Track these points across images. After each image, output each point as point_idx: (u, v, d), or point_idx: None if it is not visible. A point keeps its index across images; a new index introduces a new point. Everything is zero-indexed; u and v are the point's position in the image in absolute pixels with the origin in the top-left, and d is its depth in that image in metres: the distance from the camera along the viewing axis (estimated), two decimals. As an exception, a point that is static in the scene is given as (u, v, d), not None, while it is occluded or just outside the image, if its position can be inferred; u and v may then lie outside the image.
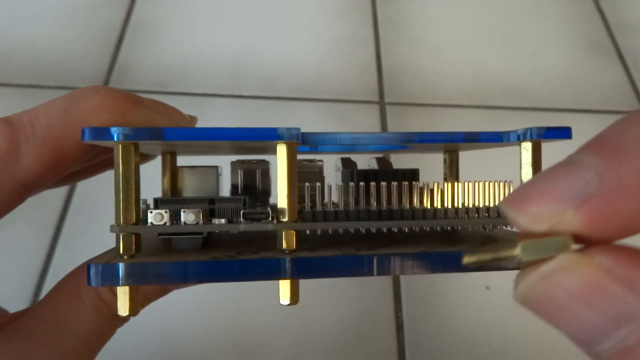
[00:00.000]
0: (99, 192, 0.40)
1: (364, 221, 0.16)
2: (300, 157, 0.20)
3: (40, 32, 0.51)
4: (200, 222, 0.15)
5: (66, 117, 0.16)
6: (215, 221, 0.15)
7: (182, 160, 0.21)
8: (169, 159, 0.21)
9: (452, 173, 0.22)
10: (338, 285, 0.37)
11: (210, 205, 0.16)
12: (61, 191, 0.40)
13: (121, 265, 0.14)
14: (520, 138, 0.17)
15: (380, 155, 0.22)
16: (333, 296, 0.36)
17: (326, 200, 0.17)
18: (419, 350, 0.34)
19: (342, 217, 0.16)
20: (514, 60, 0.53)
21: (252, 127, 0.15)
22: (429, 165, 0.23)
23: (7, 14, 0.52)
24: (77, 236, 0.38)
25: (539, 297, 0.11)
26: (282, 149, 0.15)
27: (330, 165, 0.21)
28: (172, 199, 0.16)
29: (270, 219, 0.15)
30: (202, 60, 0.50)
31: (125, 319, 0.19)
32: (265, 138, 0.15)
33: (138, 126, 0.15)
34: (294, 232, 0.16)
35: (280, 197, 0.15)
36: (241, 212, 0.16)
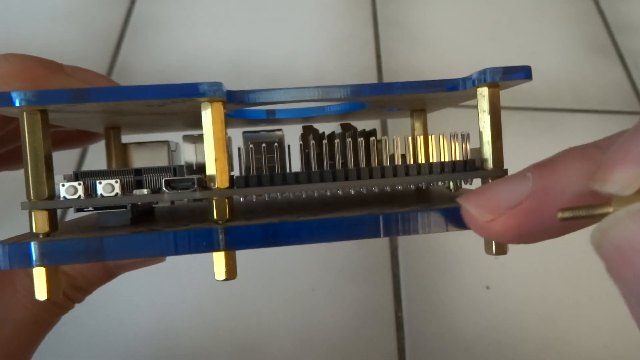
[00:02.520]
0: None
1: (303, 184, 0.14)
2: (259, 127, 0.18)
3: (40, 32, 0.51)
4: (119, 193, 0.14)
5: None
6: (137, 192, 0.14)
7: (135, 140, 0.19)
8: (113, 135, 0.19)
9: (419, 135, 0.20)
10: (338, 285, 0.37)
11: (137, 177, 0.15)
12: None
13: (32, 245, 0.13)
14: (475, 83, 0.15)
15: (346, 122, 0.20)
16: (333, 296, 0.36)
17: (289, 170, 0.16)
18: (419, 350, 0.34)
19: (279, 180, 0.14)
20: (514, 61, 0.53)
21: (173, 84, 0.14)
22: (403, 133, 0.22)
23: (7, 14, 0.52)
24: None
25: (619, 236, 0.12)
26: (206, 109, 0.14)
27: (295, 138, 0.20)
28: (92, 172, 0.15)
29: (196, 186, 0.14)
30: (202, 60, 0.50)
31: (68, 306, 0.17)
32: (185, 95, 0.13)
33: None
34: (226, 201, 0.14)
35: (209, 162, 0.14)
36: (163, 181, 0.14)
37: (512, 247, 0.39)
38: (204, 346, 0.34)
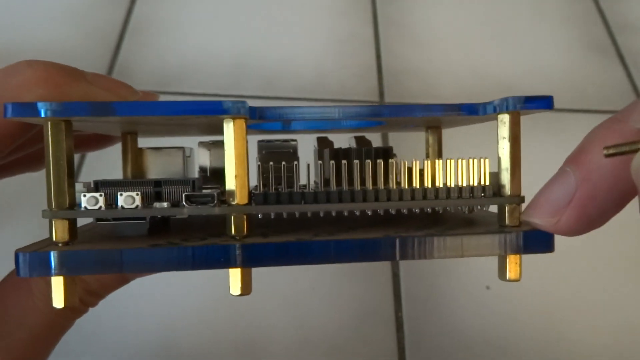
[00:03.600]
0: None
1: (322, 204, 0.15)
2: (273, 136, 0.18)
3: (40, 32, 0.51)
4: (139, 205, 0.14)
5: None
6: (157, 205, 0.14)
7: (150, 143, 0.19)
8: (130, 140, 0.19)
9: (435, 153, 0.20)
10: (338, 285, 0.37)
11: (156, 188, 0.15)
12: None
13: (52, 254, 0.13)
14: (496, 110, 0.15)
15: (360, 134, 0.20)
16: (333, 296, 0.36)
17: (303, 182, 0.16)
18: (419, 350, 0.34)
19: (298, 199, 0.15)
20: (514, 60, 0.53)
21: (196, 101, 0.14)
22: (417, 147, 0.22)
23: (8, 14, 0.52)
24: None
25: None
26: (229, 126, 0.14)
27: (308, 146, 0.19)
28: (112, 181, 0.15)
29: (216, 202, 0.14)
30: (202, 60, 0.50)
31: (82, 311, 0.17)
32: (209, 112, 0.14)
33: (77, 100, 0.14)
34: (244, 217, 0.14)
35: (229, 178, 0.14)
36: (183, 195, 0.14)
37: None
38: (203, 346, 0.34)
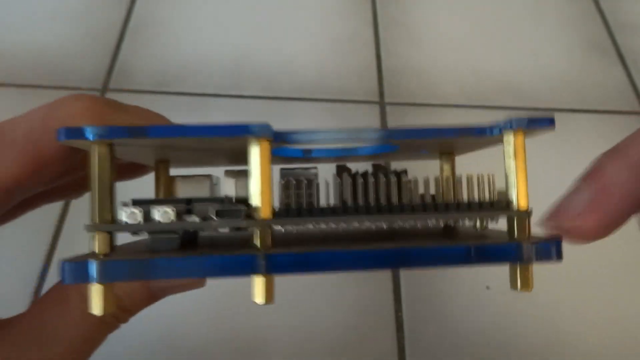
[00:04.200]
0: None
1: (339, 216, 0.16)
2: (294, 165, 0.20)
3: (40, 32, 0.51)
4: (174, 219, 0.15)
5: (45, 122, 0.16)
6: (189, 218, 0.16)
7: (180, 173, 0.21)
8: (162, 168, 0.21)
9: (448, 178, 0.21)
10: (338, 285, 0.37)
11: (188, 206, 0.16)
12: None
13: (93, 263, 0.15)
14: (501, 131, 0.16)
15: (379, 162, 0.22)
16: (333, 296, 0.36)
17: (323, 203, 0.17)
18: (419, 350, 0.34)
19: (317, 212, 0.16)
20: (514, 60, 0.53)
21: (222, 124, 0.15)
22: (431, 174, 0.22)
23: (8, 14, 0.52)
24: (77, 236, 0.38)
25: None
26: (255, 146, 0.15)
27: (327, 175, 0.21)
28: (148, 200, 0.16)
29: (244, 216, 0.15)
30: (202, 60, 0.50)
31: (114, 326, 0.19)
32: (236, 134, 0.15)
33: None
34: (268, 230, 0.16)
35: (254, 195, 0.15)
36: (215, 211, 0.15)
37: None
38: (203, 346, 0.34)
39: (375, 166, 0.20)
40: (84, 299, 0.15)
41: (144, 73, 0.48)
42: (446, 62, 0.52)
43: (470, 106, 0.48)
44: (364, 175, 0.18)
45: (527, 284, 0.16)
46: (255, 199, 0.15)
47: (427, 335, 0.35)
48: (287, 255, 0.15)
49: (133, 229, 0.15)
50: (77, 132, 0.15)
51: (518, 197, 0.16)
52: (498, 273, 0.41)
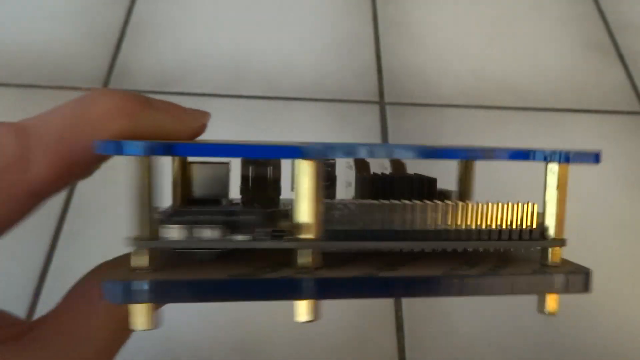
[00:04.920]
0: (98, 191, 0.40)
1: (389, 241, 0.16)
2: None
3: (41, 32, 0.51)
4: (219, 238, 0.15)
5: (77, 122, 0.15)
6: (238, 237, 0.15)
7: None
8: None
9: (467, 181, 0.21)
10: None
11: (228, 217, 0.16)
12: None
13: (139, 283, 0.14)
14: (547, 159, 0.16)
15: (395, 158, 0.21)
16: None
17: (339, 199, 0.17)
18: (419, 350, 0.34)
19: (369, 236, 0.16)
20: (514, 60, 0.53)
21: (272, 145, 0.15)
22: (441, 168, 0.22)
23: (8, 14, 0.52)
24: (77, 236, 0.38)
25: None
26: (304, 168, 0.15)
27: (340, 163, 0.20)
28: (188, 210, 0.16)
29: (290, 237, 0.15)
30: (202, 60, 0.50)
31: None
32: (286, 156, 0.15)
33: (148, 130, 0.15)
34: (318, 252, 0.15)
35: (302, 214, 0.15)
36: (260, 231, 0.15)
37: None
38: (203, 346, 0.34)
39: (393, 164, 0.20)
40: (105, 307, 0.15)
41: (144, 73, 0.48)
42: (446, 62, 0.52)
43: (470, 106, 0.48)
44: (390, 182, 0.18)
45: (554, 308, 0.17)
46: (304, 217, 0.15)
47: (427, 335, 0.35)
48: (339, 281, 0.15)
49: (175, 245, 0.15)
50: (117, 147, 0.14)
51: (556, 226, 0.17)
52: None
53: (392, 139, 0.45)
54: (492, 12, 0.57)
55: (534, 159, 0.16)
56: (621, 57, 0.54)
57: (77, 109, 0.15)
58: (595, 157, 0.16)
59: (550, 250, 0.17)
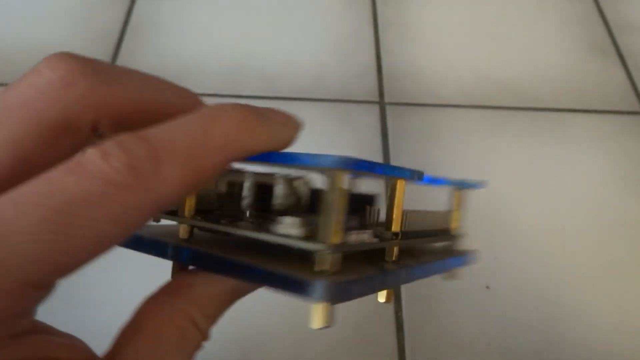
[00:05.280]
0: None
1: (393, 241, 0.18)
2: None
3: (41, 32, 0.51)
4: (370, 241, 0.17)
5: (205, 138, 0.15)
6: (373, 240, 0.18)
7: None
8: None
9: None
10: (338, 285, 0.37)
11: (349, 224, 0.18)
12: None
13: (343, 284, 0.16)
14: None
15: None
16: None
17: None
18: (419, 350, 0.34)
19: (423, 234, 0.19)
20: (514, 60, 0.53)
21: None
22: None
23: (8, 14, 0.52)
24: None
25: None
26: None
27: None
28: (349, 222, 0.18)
29: (376, 238, 0.18)
30: (202, 60, 0.50)
31: (201, 347, 0.19)
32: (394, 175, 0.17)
33: (265, 142, 0.16)
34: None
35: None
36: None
37: (511, 245, 0.39)
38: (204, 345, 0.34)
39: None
40: (177, 330, 0.16)
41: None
42: (446, 62, 0.52)
43: (470, 106, 0.48)
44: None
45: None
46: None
47: (427, 335, 0.35)
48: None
49: (356, 248, 0.17)
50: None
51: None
52: (498, 273, 0.42)
53: (392, 139, 0.45)
54: (492, 12, 0.57)
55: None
56: (621, 57, 0.54)
57: (204, 124, 0.16)
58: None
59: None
